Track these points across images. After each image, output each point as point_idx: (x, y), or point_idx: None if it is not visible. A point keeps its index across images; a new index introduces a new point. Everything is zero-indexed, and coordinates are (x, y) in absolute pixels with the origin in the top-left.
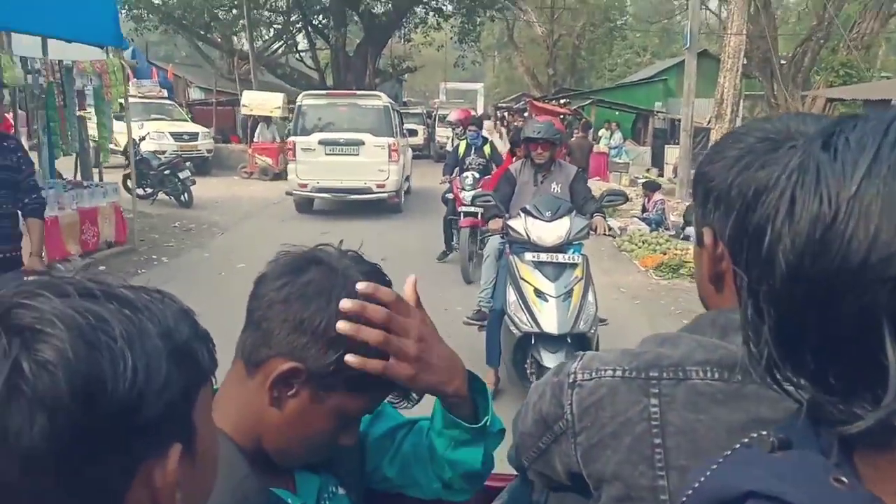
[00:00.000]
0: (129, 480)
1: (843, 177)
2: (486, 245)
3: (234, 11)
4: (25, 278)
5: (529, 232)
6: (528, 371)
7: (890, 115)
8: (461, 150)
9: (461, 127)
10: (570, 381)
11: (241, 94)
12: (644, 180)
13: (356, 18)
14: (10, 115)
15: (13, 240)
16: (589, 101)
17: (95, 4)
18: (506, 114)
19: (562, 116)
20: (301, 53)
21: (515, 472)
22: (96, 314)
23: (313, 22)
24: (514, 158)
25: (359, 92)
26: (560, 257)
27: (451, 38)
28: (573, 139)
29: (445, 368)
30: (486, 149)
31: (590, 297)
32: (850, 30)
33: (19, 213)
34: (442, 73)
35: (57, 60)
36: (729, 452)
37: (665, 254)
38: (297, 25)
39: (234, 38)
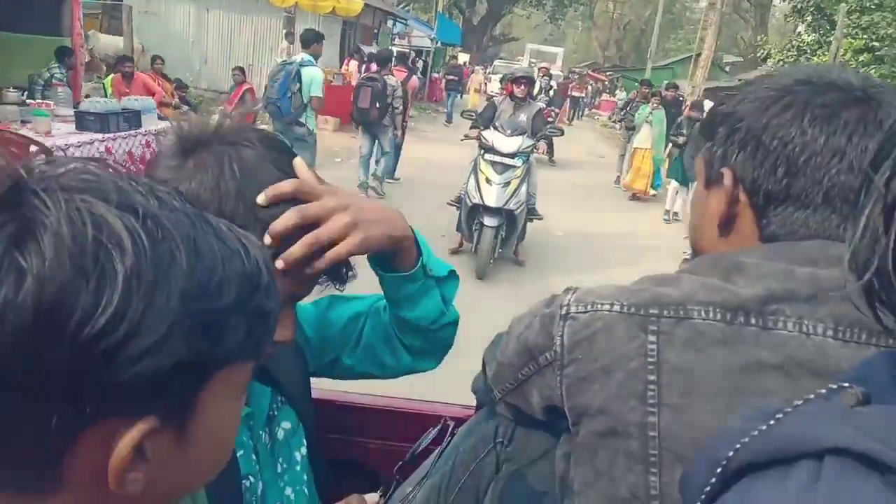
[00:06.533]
0: (73, 433)
1: None
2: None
3: None
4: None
5: (494, 141)
6: (474, 229)
7: None
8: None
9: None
10: (563, 312)
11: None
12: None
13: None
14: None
15: None
16: (620, 74)
17: (453, 29)
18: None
19: (606, 80)
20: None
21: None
22: (114, 236)
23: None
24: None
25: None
26: (507, 160)
27: (544, 20)
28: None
29: (385, 217)
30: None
31: (522, 189)
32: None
33: None
34: (528, 36)
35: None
36: (800, 402)
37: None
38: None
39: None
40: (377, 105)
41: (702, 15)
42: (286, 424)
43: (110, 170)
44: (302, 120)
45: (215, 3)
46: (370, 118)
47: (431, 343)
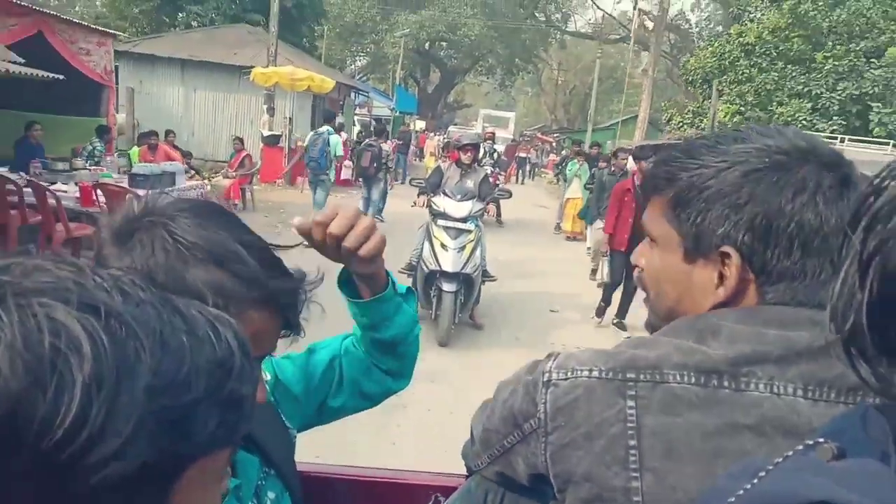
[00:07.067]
0: None
1: None
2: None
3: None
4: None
5: (445, 207)
6: (432, 295)
7: None
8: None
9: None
10: (545, 379)
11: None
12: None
13: (436, 69)
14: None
15: None
16: (566, 136)
17: (410, 99)
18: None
19: (553, 142)
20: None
21: (463, 474)
22: (73, 341)
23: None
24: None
25: (468, 127)
26: (461, 225)
27: (494, 87)
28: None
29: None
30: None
31: (477, 252)
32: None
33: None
34: (480, 102)
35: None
36: (780, 459)
37: None
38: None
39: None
40: (374, 165)
41: (640, 79)
42: (271, 494)
43: (72, 266)
44: (326, 170)
45: (202, 84)
46: (368, 174)
47: (403, 360)
